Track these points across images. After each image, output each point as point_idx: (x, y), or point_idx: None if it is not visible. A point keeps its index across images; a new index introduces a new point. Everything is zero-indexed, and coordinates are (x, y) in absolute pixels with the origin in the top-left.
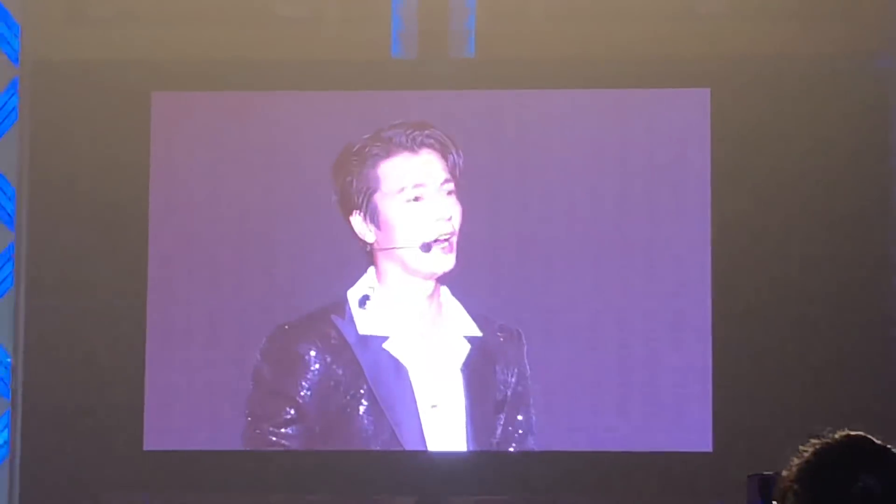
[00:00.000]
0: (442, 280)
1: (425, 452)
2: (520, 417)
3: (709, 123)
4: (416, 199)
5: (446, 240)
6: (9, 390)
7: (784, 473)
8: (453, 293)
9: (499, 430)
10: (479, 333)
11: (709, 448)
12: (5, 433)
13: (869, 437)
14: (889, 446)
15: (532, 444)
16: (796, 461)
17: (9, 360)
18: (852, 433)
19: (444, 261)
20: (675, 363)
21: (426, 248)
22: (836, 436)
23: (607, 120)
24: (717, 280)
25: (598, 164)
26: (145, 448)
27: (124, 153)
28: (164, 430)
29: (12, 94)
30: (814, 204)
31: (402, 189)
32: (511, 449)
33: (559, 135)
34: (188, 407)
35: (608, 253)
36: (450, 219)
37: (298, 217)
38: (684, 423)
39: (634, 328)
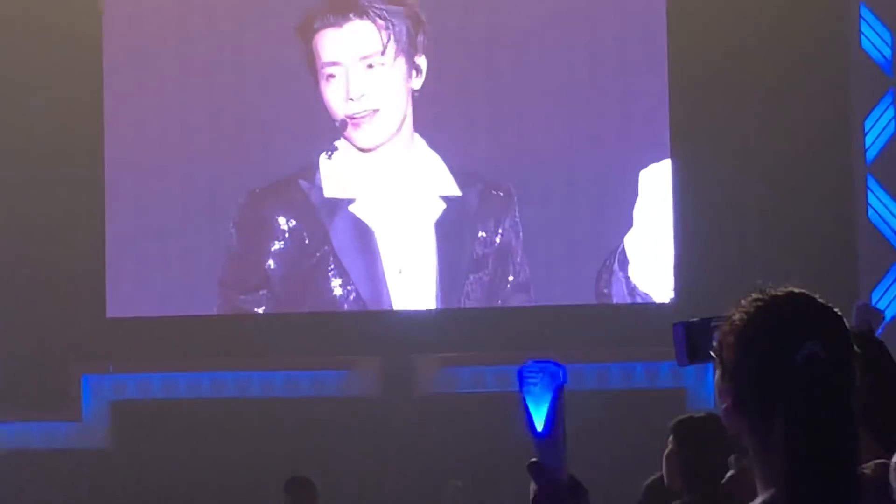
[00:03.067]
0: (422, 136)
1: (391, 312)
2: (510, 278)
3: None
4: (329, 78)
5: (358, 118)
6: None
7: (722, 325)
8: (433, 148)
9: (479, 290)
10: (458, 193)
11: (671, 299)
12: None
13: (813, 296)
14: (832, 307)
15: (523, 301)
16: (737, 315)
17: None
18: (796, 291)
19: (361, 137)
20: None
21: (342, 125)
22: (778, 292)
23: None
24: (676, 134)
25: (566, 19)
26: (108, 315)
27: (76, 14)
28: (129, 298)
29: None
30: (772, 50)
31: (322, 67)
32: (499, 304)
33: None
34: (158, 274)
35: (579, 107)
36: (361, 96)
37: (271, 80)
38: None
39: (607, 183)
